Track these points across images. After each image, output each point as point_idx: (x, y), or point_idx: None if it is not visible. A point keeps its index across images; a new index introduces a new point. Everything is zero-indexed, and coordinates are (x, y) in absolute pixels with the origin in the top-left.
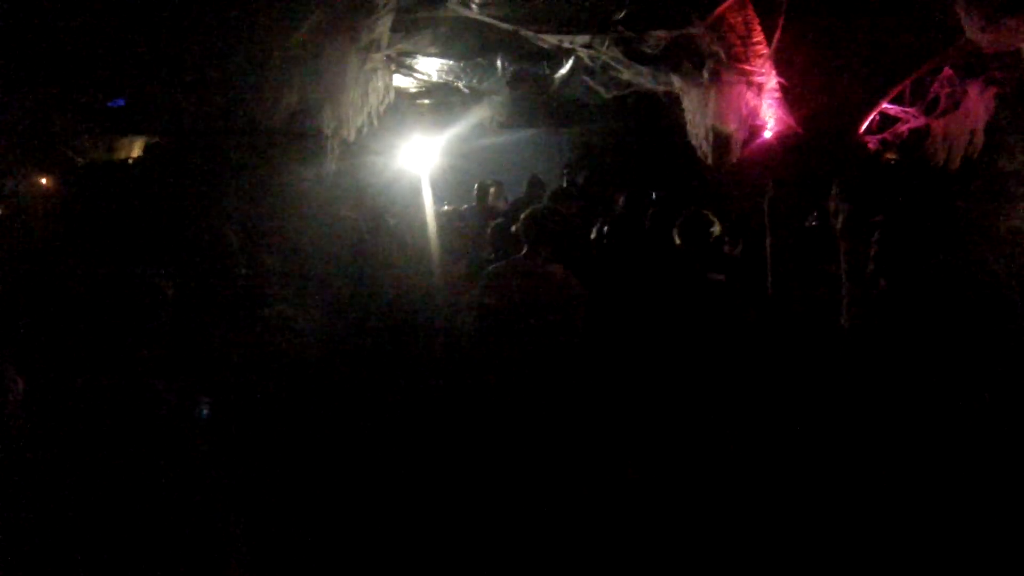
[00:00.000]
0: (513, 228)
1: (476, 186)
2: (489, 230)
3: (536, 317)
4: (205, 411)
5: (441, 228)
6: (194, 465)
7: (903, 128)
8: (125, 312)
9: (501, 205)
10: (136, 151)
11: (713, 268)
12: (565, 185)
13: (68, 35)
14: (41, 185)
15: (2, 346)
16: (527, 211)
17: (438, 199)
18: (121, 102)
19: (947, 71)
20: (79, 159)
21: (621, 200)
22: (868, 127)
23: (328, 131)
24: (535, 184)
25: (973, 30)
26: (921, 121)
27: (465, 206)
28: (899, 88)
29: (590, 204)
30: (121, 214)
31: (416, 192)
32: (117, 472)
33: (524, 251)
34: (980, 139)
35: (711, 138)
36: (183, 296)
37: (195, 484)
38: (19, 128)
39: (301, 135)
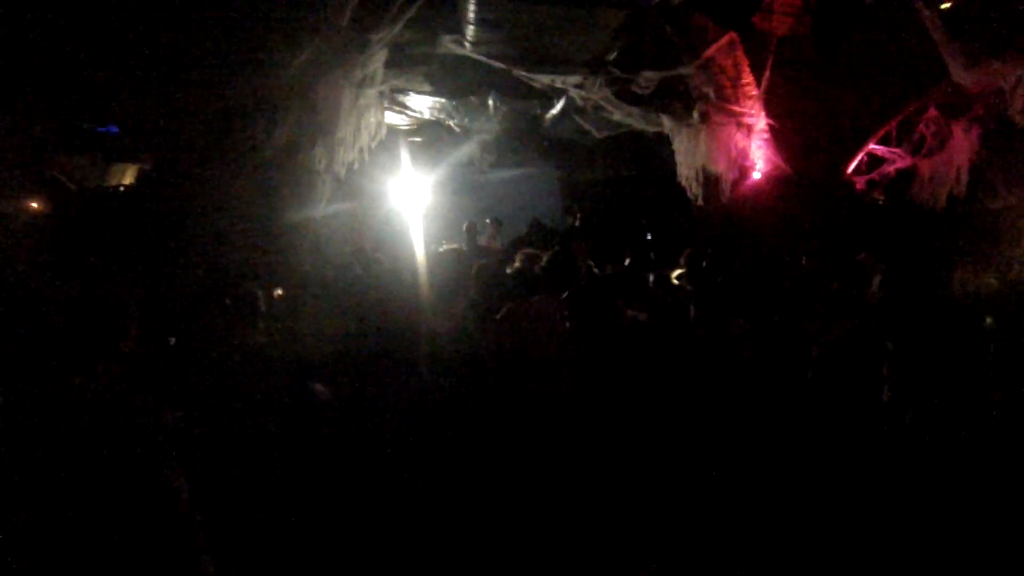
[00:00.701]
0: (509, 269)
1: (465, 226)
2: (474, 270)
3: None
4: (178, 422)
5: (439, 266)
6: (164, 472)
7: (890, 168)
8: (101, 330)
9: (496, 245)
10: (129, 178)
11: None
12: (577, 225)
13: (64, 63)
14: (33, 210)
15: None
16: (548, 255)
17: (437, 237)
18: (115, 129)
19: (932, 111)
20: (72, 185)
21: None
22: (856, 167)
23: (320, 167)
24: (536, 227)
25: (957, 70)
26: (908, 161)
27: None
28: (886, 128)
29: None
30: (111, 238)
31: (408, 230)
32: (92, 481)
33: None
34: (965, 178)
35: (701, 178)
36: (166, 317)
37: (167, 494)
38: (14, 155)
39: (294, 169)
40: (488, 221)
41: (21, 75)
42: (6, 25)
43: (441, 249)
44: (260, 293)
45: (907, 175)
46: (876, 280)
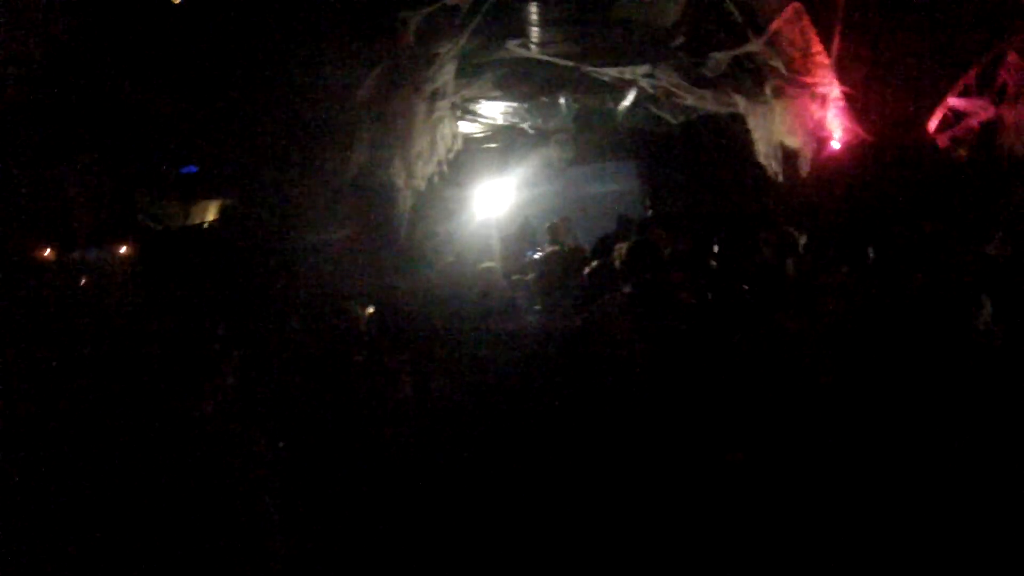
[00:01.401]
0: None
1: (551, 226)
2: (587, 272)
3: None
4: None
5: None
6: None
7: (973, 122)
8: (200, 360)
9: (570, 241)
10: (211, 215)
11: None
12: (650, 215)
13: (139, 108)
14: (121, 254)
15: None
16: (626, 245)
17: (531, 242)
18: (194, 169)
19: (1012, 56)
20: (156, 227)
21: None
22: (938, 125)
23: (400, 182)
24: (623, 223)
25: None
26: (991, 112)
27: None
28: (964, 81)
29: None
30: (197, 275)
31: (491, 236)
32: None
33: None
34: None
35: (779, 154)
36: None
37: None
38: (101, 203)
39: (372, 188)
40: (557, 221)
41: (97, 122)
42: (81, 79)
43: (531, 256)
44: (361, 312)
45: (992, 127)
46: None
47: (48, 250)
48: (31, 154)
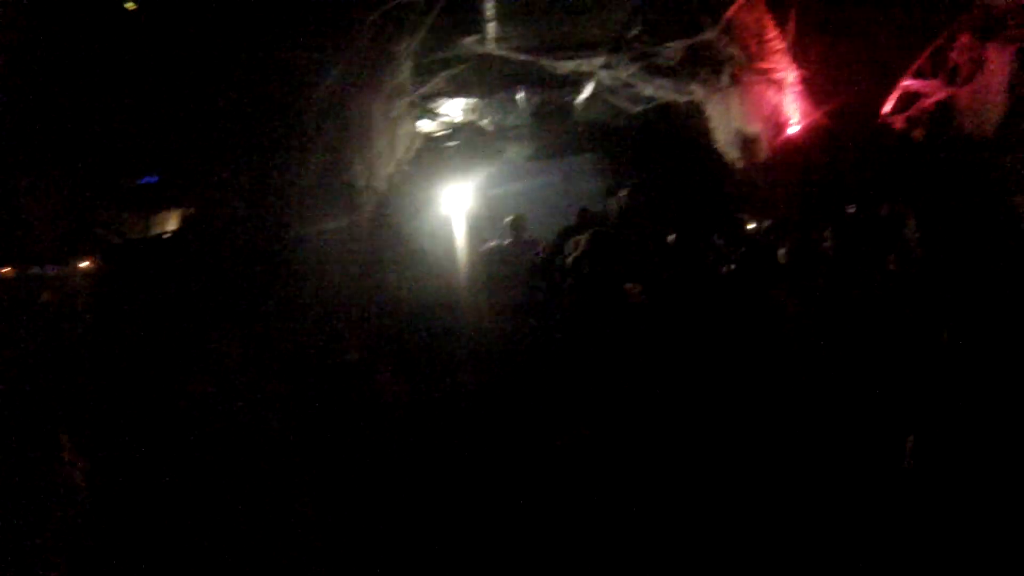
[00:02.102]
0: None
1: (512, 220)
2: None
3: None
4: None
5: (486, 264)
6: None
7: (928, 102)
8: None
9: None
10: (173, 224)
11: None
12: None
13: (94, 119)
14: (82, 269)
15: (59, 418)
16: (585, 238)
17: (480, 235)
18: (154, 179)
19: (965, 36)
20: (117, 239)
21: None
22: (893, 106)
23: (361, 183)
24: (583, 215)
25: None
26: (945, 92)
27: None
28: (919, 61)
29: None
30: (162, 286)
31: (452, 232)
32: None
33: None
34: (1005, 99)
35: (738, 140)
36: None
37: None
38: (58, 218)
39: (333, 189)
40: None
41: (52, 135)
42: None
43: (483, 248)
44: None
45: (947, 107)
46: (911, 223)
47: (6, 267)
48: None
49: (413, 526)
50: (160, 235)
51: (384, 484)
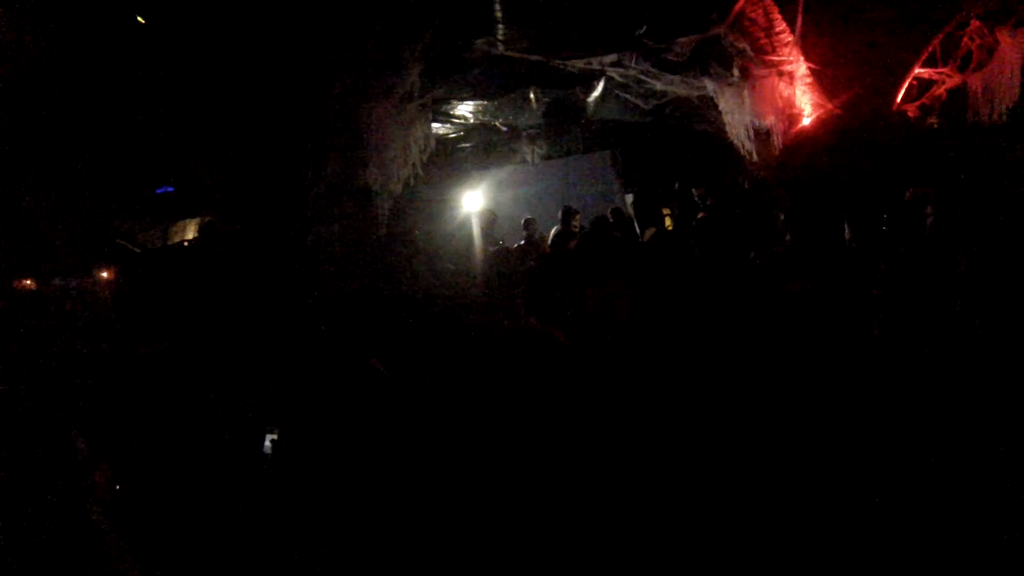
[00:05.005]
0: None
1: (525, 222)
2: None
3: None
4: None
5: (499, 264)
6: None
7: (940, 90)
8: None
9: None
10: (190, 233)
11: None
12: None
13: (113, 133)
14: (103, 279)
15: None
16: (581, 234)
17: (500, 237)
18: (170, 189)
19: (975, 23)
20: (136, 249)
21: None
22: (905, 95)
23: (376, 186)
24: (568, 213)
25: None
26: (957, 79)
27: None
28: (929, 49)
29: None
30: (180, 292)
31: (468, 233)
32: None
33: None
34: (1018, 85)
35: (751, 134)
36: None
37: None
38: (78, 230)
39: (349, 194)
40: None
41: (72, 149)
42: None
43: (496, 249)
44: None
45: (960, 94)
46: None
47: (29, 280)
48: (4, 186)
49: (414, 526)
50: (179, 244)
51: (394, 484)
